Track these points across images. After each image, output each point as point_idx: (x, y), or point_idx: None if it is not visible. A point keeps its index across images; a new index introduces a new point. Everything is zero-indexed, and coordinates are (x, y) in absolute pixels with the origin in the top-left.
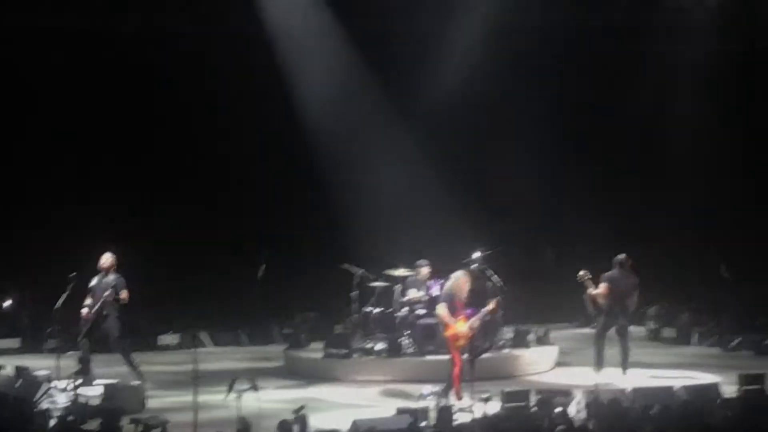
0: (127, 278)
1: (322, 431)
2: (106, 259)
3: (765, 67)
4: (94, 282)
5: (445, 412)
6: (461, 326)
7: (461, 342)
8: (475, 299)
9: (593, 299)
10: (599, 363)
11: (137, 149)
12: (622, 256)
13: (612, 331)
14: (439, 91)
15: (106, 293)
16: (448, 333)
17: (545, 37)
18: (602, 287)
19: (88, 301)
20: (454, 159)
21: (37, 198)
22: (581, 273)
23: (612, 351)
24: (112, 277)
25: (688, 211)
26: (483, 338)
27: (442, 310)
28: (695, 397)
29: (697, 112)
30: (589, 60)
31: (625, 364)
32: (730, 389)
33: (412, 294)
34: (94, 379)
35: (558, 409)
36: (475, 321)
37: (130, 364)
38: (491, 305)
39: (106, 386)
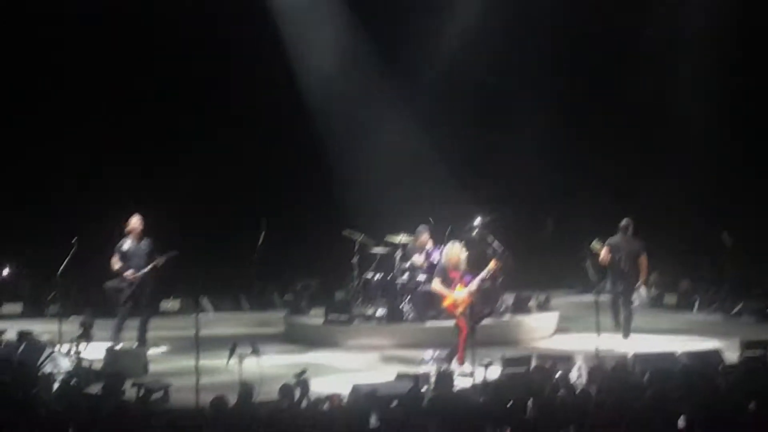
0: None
1: (323, 395)
2: (138, 221)
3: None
4: (127, 246)
5: (445, 377)
6: (459, 293)
7: (461, 309)
8: (476, 266)
9: (603, 265)
10: (616, 326)
11: (133, 114)
12: (625, 221)
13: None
14: (442, 59)
15: (160, 259)
16: (446, 303)
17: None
18: (604, 251)
19: (119, 264)
20: (456, 127)
21: (33, 163)
22: (594, 244)
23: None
24: (145, 242)
25: (689, 179)
26: (483, 304)
27: (436, 284)
28: (697, 363)
29: (696, 77)
30: (594, 29)
31: (626, 330)
32: (731, 355)
33: (413, 260)
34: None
35: (559, 375)
36: (473, 284)
37: (145, 330)
38: (492, 266)
39: (109, 351)
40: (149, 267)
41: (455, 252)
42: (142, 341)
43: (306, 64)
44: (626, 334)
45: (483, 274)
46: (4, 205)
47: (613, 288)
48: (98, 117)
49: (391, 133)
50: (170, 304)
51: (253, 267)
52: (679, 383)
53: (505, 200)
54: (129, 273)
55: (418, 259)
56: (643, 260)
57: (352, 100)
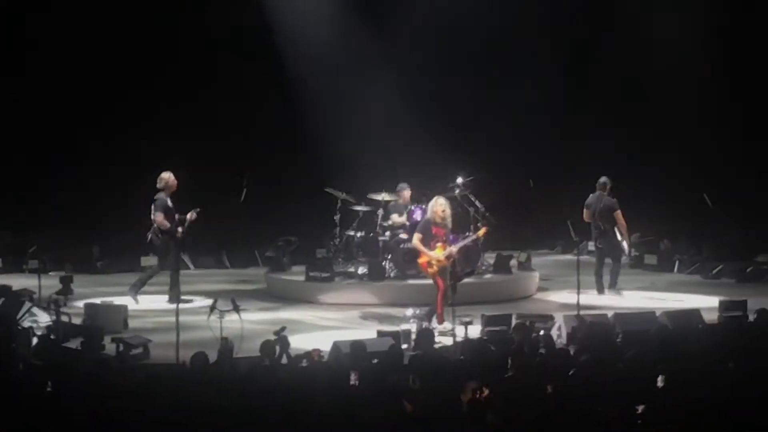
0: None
1: (303, 352)
2: (172, 177)
3: None
4: (170, 203)
5: (425, 335)
6: (437, 253)
7: (434, 269)
8: (458, 225)
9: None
10: (597, 283)
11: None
12: (602, 179)
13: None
14: (424, 19)
15: (192, 213)
16: (421, 260)
17: None
18: (585, 212)
19: (168, 221)
20: (437, 87)
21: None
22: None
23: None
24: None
25: (672, 140)
26: (464, 263)
27: (416, 239)
28: (677, 323)
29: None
30: None
31: (613, 282)
32: (711, 315)
33: (395, 218)
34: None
35: (539, 334)
36: (454, 248)
37: (177, 284)
38: (480, 232)
39: (88, 306)
40: (188, 221)
41: (440, 206)
42: (176, 295)
43: (288, 28)
44: (613, 285)
45: (467, 240)
46: None
47: (595, 245)
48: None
49: (376, 93)
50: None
51: (236, 223)
52: (658, 342)
53: (487, 161)
54: (179, 230)
55: (398, 218)
56: (618, 215)
57: (338, 60)
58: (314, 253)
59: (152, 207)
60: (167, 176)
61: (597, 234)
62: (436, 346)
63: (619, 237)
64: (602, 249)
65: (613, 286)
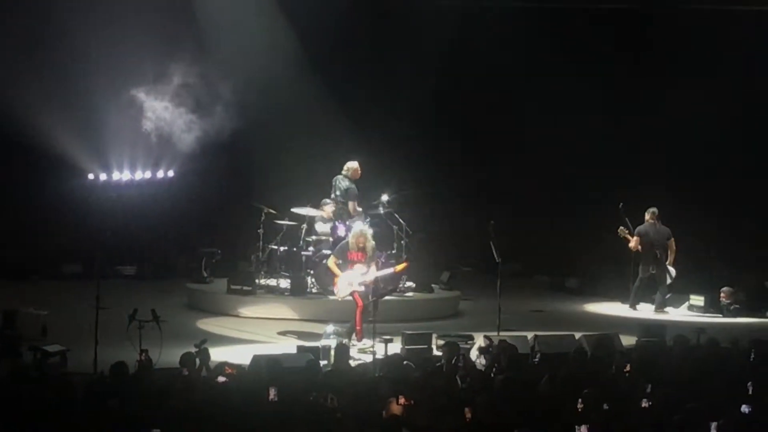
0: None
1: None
2: None
3: None
4: None
5: (342, 351)
6: (350, 277)
7: (342, 293)
8: (381, 243)
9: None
10: (632, 306)
11: None
12: (653, 209)
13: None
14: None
15: None
16: (335, 282)
17: None
18: (634, 240)
19: None
20: (362, 104)
21: None
22: (621, 231)
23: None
24: None
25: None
26: (386, 281)
27: (331, 261)
28: (595, 346)
29: None
30: None
31: (661, 305)
32: (629, 340)
33: (318, 233)
34: None
35: (459, 353)
36: (369, 276)
37: None
38: (399, 267)
39: (5, 312)
40: None
41: (362, 236)
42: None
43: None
44: (662, 306)
45: (384, 272)
46: None
47: (643, 272)
48: None
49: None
50: (72, 267)
51: (159, 233)
52: (576, 365)
53: (412, 179)
54: None
55: (321, 232)
56: (672, 243)
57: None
58: (237, 266)
59: None
60: None
61: (654, 260)
62: (356, 363)
63: (668, 262)
64: (655, 273)
65: (662, 306)
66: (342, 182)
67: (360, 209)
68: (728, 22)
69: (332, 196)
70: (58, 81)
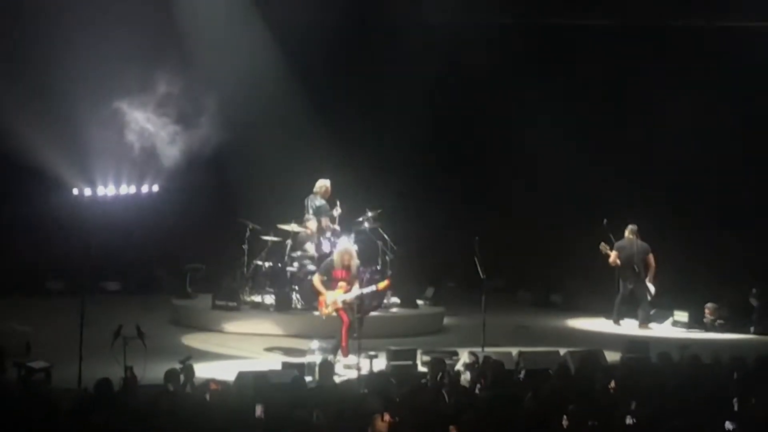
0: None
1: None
2: None
3: None
4: None
5: (326, 367)
6: (336, 294)
7: (328, 310)
8: (366, 259)
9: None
10: (615, 321)
11: None
12: (632, 226)
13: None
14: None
15: None
16: (320, 300)
17: None
18: (613, 255)
19: None
20: (348, 119)
21: None
22: (602, 247)
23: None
24: None
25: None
26: (371, 297)
27: (316, 279)
28: (579, 362)
29: None
30: None
31: (645, 320)
32: (614, 356)
33: (303, 249)
34: None
35: (444, 369)
36: (351, 294)
37: None
38: (381, 285)
39: None
40: None
41: (346, 254)
42: None
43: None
44: (645, 321)
45: (367, 289)
46: None
47: (623, 287)
48: None
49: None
50: (56, 284)
51: (143, 248)
52: (558, 382)
53: (396, 195)
54: None
55: (306, 249)
56: (651, 258)
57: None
58: (221, 281)
59: None
60: None
61: (632, 276)
62: (341, 379)
63: (647, 278)
64: (633, 289)
65: (646, 322)
66: (314, 200)
67: (333, 225)
68: (714, 38)
69: (306, 215)
70: (41, 95)
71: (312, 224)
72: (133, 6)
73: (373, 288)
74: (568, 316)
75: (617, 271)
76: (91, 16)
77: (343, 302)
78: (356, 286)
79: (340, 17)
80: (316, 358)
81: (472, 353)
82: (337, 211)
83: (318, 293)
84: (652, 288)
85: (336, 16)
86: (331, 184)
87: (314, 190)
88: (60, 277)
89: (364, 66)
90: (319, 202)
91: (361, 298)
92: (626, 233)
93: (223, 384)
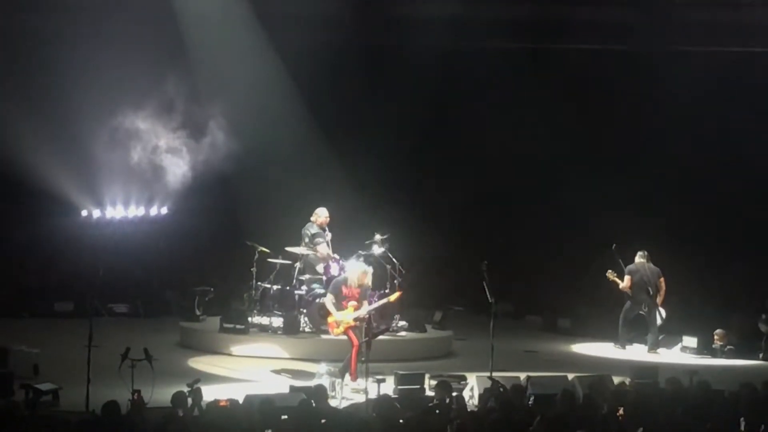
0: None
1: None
2: None
3: None
4: None
5: (321, 392)
6: (347, 313)
7: (339, 330)
8: (375, 282)
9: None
10: (621, 343)
11: None
12: (643, 252)
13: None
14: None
15: None
16: (330, 320)
17: None
18: (626, 279)
19: None
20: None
21: None
22: (609, 274)
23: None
24: None
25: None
26: (379, 320)
27: (328, 299)
28: (588, 387)
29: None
30: None
31: (654, 345)
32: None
33: (311, 272)
34: None
35: (453, 394)
36: (364, 311)
37: None
38: (393, 297)
39: None
40: None
41: (364, 274)
42: None
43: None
44: (655, 346)
45: (378, 303)
46: None
47: (631, 310)
48: None
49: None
50: (65, 305)
51: (151, 271)
52: (564, 407)
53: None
54: None
55: (315, 272)
56: (662, 282)
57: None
58: (230, 304)
59: None
60: None
61: (647, 299)
62: (348, 402)
63: (658, 302)
64: (645, 314)
65: (655, 347)
66: (309, 229)
67: (330, 253)
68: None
69: (302, 244)
70: (50, 119)
71: (322, 248)
72: (143, 32)
73: (384, 301)
74: (576, 341)
75: (627, 295)
76: (101, 41)
77: (355, 320)
78: (365, 304)
79: (348, 38)
80: (324, 382)
81: (479, 378)
82: (328, 235)
83: (327, 314)
84: (663, 313)
85: (343, 36)
86: (338, 209)
87: (311, 218)
88: (68, 299)
89: (373, 85)
90: (315, 230)
91: (372, 314)
92: (637, 258)
93: (231, 401)
